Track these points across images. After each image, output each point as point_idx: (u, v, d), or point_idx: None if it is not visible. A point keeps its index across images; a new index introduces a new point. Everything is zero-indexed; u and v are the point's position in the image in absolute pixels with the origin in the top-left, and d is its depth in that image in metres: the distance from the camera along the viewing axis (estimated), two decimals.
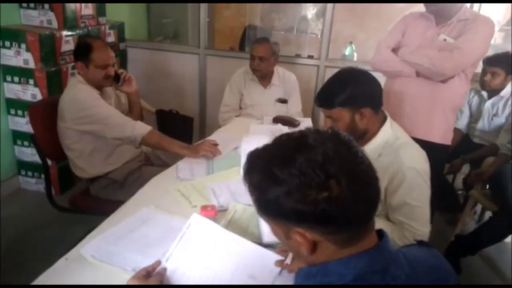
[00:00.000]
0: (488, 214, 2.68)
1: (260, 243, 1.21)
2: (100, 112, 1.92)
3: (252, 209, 1.38)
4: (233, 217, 1.38)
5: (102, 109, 1.93)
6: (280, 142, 0.70)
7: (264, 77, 2.76)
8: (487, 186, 2.54)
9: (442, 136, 2.07)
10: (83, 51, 1.95)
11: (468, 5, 2.02)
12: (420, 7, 2.04)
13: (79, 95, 1.92)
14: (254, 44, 2.71)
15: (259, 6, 4.80)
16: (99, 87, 2.03)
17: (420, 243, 0.84)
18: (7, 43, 2.58)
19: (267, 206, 0.69)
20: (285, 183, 0.64)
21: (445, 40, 1.92)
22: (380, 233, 0.72)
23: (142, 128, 1.94)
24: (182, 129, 3.00)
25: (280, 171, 0.65)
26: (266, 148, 0.71)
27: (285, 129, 2.27)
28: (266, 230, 1.25)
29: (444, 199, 2.81)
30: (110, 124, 1.92)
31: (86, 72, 1.97)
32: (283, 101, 2.79)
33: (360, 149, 0.68)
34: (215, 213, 1.34)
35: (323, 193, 0.62)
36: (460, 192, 3.03)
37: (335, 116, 1.40)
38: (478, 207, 2.86)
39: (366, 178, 0.66)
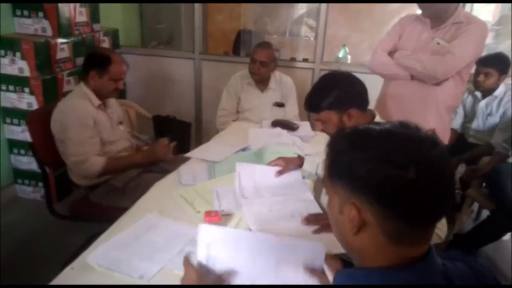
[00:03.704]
0: (485, 213, 2.71)
1: None
2: (68, 139, 1.90)
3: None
4: (238, 225, 1.38)
5: (73, 138, 1.90)
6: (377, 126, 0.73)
7: (261, 81, 2.77)
8: (484, 185, 2.57)
9: (438, 136, 2.09)
10: (101, 62, 1.96)
11: (461, 4, 2.05)
12: (413, 8, 2.08)
13: (68, 112, 1.92)
14: (256, 48, 2.71)
15: (252, 9, 4.82)
16: (104, 97, 2.04)
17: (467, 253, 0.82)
18: (2, 52, 2.56)
19: (339, 166, 0.71)
20: (368, 150, 0.66)
21: (438, 43, 1.96)
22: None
23: (96, 165, 1.93)
24: (179, 134, 3.00)
25: (369, 140, 0.68)
26: (364, 125, 0.74)
27: (284, 133, 2.29)
28: None
29: None
30: (68, 158, 1.94)
31: (97, 81, 1.98)
32: (280, 105, 2.80)
33: (448, 156, 0.68)
34: (219, 218, 1.34)
35: (398, 172, 0.62)
36: (456, 191, 3.06)
37: (324, 119, 1.47)
38: (475, 206, 2.89)
39: (446, 183, 0.66)
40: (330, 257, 1.04)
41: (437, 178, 0.64)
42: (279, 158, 1.77)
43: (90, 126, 1.95)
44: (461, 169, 2.90)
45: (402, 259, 0.67)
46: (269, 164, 1.76)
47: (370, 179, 0.64)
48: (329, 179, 0.73)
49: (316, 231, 1.37)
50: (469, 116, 2.92)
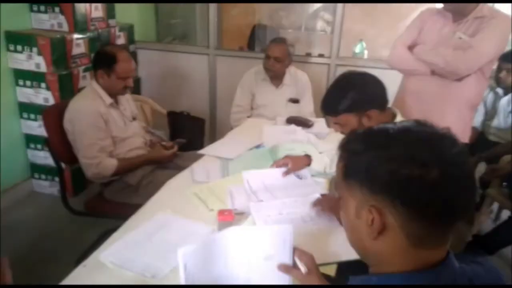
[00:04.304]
0: (505, 213, 2.64)
1: None
2: (80, 141, 1.91)
3: None
4: None
5: (84, 140, 1.90)
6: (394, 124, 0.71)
7: (276, 77, 2.73)
8: (504, 185, 2.50)
9: (459, 134, 2.01)
10: (107, 60, 1.94)
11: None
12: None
13: (79, 113, 1.91)
14: (270, 43, 2.68)
15: (267, 4, 4.77)
16: (114, 94, 2.04)
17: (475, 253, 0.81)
18: (19, 47, 2.58)
19: (357, 168, 0.68)
20: (388, 150, 0.64)
21: (460, 38, 1.89)
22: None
23: (108, 167, 1.94)
24: (193, 130, 2.99)
25: (388, 139, 0.66)
26: (379, 125, 0.72)
27: (299, 130, 2.26)
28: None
29: None
30: (80, 159, 1.94)
31: (106, 80, 1.97)
32: (295, 101, 2.76)
33: (468, 154, 0.67)
34: (232, 217, 1.33)
35: (422, 171, 0.60)
36: None
37: (342, 122, 1.42)
38: (495, 206, 2.82)
39: (468, 181, 0.64)
40: (300, 251, 1.00)
41: (460, 176, 0.62)
42: (286, 156, 1.73)
43: (101, 127, 1.94)
44: (481, 168, 2.83)
45: (422, 263, 0.65)
46: (276, 163, 1.72)
47: (392, 180, 0.62)
48: (345, 182, 0.71)
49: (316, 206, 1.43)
50: (490, 113, 2.85)
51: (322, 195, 1.51)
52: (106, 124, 1.96)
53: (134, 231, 1.31)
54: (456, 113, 1.99)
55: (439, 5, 2.01)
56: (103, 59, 1.96)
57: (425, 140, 0.64)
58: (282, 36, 3.54)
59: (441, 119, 1.98)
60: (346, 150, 0.72)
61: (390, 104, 1.51)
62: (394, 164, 0.62)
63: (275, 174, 1.70)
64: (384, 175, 0.63)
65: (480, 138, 2.86)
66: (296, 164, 1.71)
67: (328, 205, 1.42)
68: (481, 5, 1.88)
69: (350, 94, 1.38)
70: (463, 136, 2.06)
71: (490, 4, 2.68)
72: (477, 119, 2.86)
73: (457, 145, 0.65)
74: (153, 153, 2.13)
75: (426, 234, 0.63)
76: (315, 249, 1.22)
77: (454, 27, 1.92)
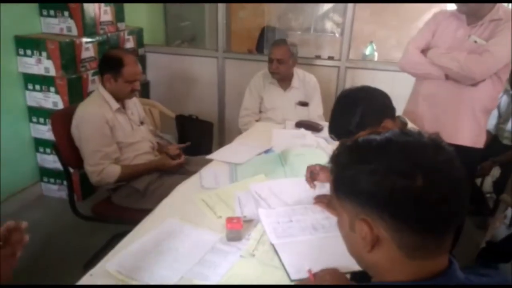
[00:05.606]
0: None
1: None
2: (85, 147, 1.91)
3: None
4: (262, 238, 1.32)
5: (89, 147, 1.91)
6: (379, 134, 0.70)
7: (284, 80, 2.70)
8: None
9: (474, 139, 1.99)
10: (114, 64, 1.94)
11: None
12: (442, 4, 1.96)
13: (85, 120, 1.90)
14: (272, 46, 2.65)
15: (276, 6, 4.74)
16: (121, 99, 2.03)
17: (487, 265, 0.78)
18: (28, 52, 2.59)
19: (344, 182, 0.68)
20: (371, 163, 0.64)
21: (475, 42, 1.84)
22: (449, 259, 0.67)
23: (111, 174, 1.93)
24: (202, 134, 2.98)
25: (370, 152, 0.66)
26: (363, 137, 0.71)
27: (309, 134, 2.22)
28: (292, 267, 1.18)
29: (472, 203, 2.72)
30: (85, 165, 1.95)
31: (113, 84, 1.97)
32: (303, 104, 2.73)
33: (457, 160, 0.65)
34: (241, 226, 1.30)
35: (405, 181, 0.60)
36: (488, 195, 2.93)
37: None
38: (509, 211, 2.75)
39: (456, 188, 0.63)
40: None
41: (447, 183, 0.62)
42: (317, 165, 1.56)
43: (106, 134, 1.93)
44: (494, 172, 2.77)
45: (420, 274, 0.64)
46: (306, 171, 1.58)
47: (377, 193, 0.62)
48: (336, 195, 0.71)
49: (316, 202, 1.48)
50: (504, 116, 2.79)
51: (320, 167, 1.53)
52: (112, 130, 1.95)
53: (141, 239, 1.28)
54: (471, 118, 1.94)
55: (451, 6, 1.96)
56: (110, 63, 1.96)
57: (408, 149, 0.64)
58: (291, 38, 3.51)
59: (455, 124, 1.95)
60: (335, 163, 0.72)
61: (402, 108, 1.47)
62: (377, 177, 0.62)
63: (282, 183, 1.66)
64: (369, 188, 0.63)
65: (494, 142, 2.80)
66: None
67: (327, 200, 1.45)
68: (497, 6, 1.83)
69: (359, 110, 1.29)
70: (478, 141, 2.01)
71: (506, 5, 2.63)
72: (491, 122, 2.79)
73: (444, 151, 0.64)
74: (158, 163, 2.11)
75: (418, 245, 0.63)
76: (325, 259, 1.20)
77: (469, 30, 1.87)
